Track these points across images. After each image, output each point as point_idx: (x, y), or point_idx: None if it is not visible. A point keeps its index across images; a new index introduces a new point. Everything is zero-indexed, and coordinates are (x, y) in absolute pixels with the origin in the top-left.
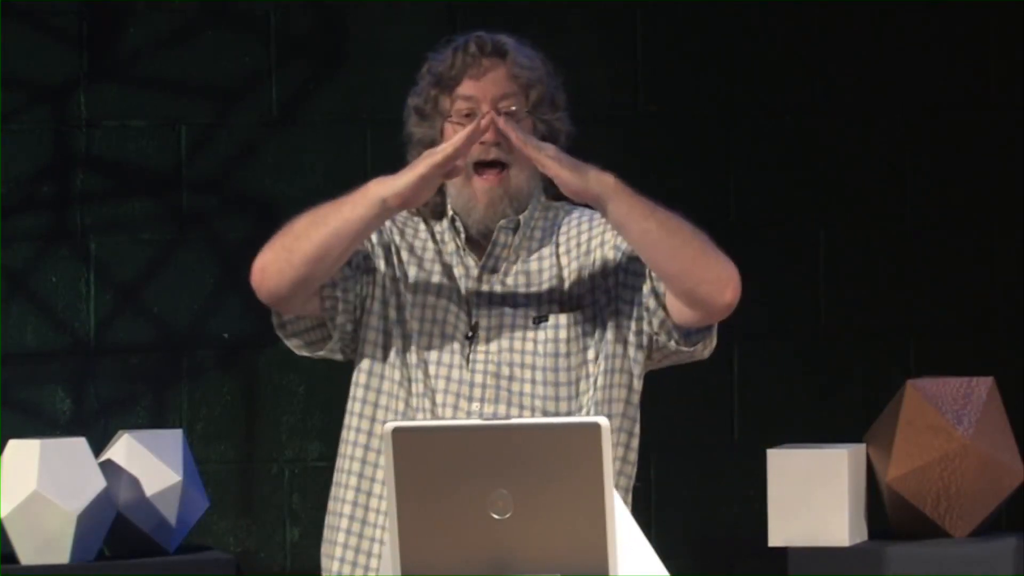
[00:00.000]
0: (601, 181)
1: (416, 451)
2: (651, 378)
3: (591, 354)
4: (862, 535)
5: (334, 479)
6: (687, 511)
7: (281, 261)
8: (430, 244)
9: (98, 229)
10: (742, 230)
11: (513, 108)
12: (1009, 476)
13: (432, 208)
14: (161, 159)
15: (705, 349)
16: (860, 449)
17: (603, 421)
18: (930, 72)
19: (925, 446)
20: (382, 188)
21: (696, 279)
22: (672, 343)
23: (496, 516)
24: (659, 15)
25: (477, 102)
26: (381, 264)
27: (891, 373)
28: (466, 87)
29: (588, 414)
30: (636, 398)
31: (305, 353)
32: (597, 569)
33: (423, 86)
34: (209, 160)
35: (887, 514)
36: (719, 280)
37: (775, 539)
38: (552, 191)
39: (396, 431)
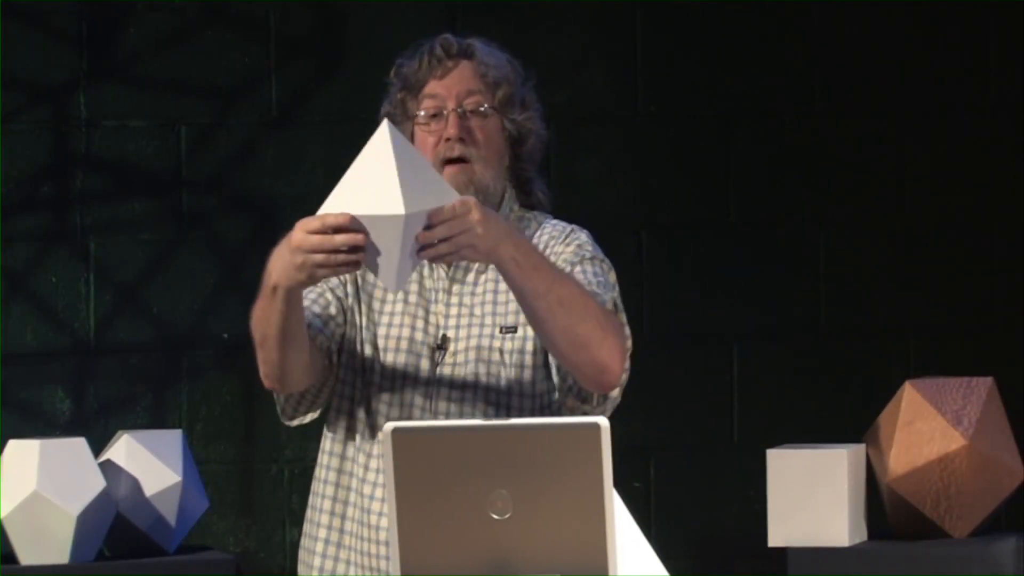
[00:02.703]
0: (500, 253)
1: (416, 451)
2: (651, 378)
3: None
4: (862, 535)
5: (312, 487)
6: (687, 511)
7: (269, 364)
8: None
9: (98, 229)
10: (742, 230)
11: (482, 108)
12: (1009, 476)
13: None
14: (161, 159)
15: (598, 407)
16: (860, 449)
17: (603, 421)
18: (930, 72)
19: (925, 446)
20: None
21: (574, 364)
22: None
23: (496, 516)
24: (659, 15)
25: (443, 100)
26: (348, 285)
27: (891, 373)
28: (432, 87)
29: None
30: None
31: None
32: (597, 569)
33: (392, 91)
34: (209, 160)
35: (887, 514)
36: (596, 366)
37: (775, 539)
38: (525, 200)
39: (396, 431)
